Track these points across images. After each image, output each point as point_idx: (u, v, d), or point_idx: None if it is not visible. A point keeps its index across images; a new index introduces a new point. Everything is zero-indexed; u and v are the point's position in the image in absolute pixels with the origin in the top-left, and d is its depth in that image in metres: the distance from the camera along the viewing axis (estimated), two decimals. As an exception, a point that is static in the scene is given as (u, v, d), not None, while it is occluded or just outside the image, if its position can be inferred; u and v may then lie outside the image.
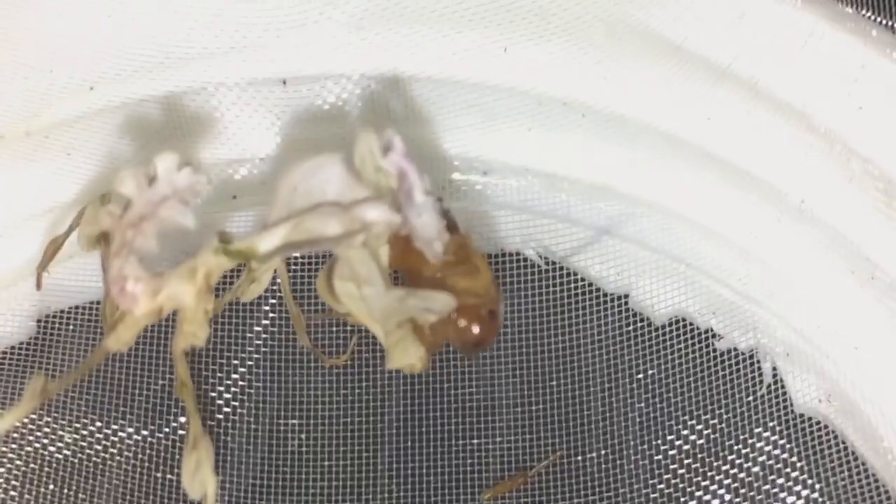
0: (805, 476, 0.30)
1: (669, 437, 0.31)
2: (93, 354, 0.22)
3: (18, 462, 0.32)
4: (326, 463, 0.32)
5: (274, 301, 0.32)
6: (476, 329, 0.24)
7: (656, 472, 0.31)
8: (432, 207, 0.23)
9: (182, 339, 0.22)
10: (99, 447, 0.32)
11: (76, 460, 0.32)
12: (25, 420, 0.32)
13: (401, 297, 0.23)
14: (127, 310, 0.22)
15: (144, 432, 0.32)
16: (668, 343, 0.32)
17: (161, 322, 0.28)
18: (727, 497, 0.31)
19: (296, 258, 0.32)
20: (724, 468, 0.31)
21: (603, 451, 0.31)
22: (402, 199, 0.23)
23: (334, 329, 0.32)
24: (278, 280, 0.30)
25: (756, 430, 0.31)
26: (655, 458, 0.31)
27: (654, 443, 0.31)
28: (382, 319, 0.23)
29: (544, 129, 0.31)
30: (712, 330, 0.31)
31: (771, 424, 0.31)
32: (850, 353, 0.30)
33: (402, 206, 0.23)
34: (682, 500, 0.31)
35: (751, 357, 0.31)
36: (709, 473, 0.31)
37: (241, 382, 0.32)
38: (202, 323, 0.22)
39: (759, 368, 0.31)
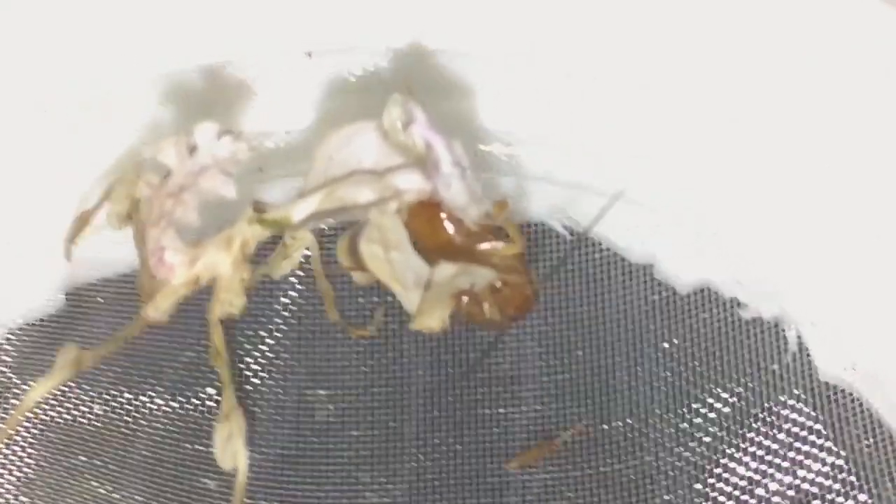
0: (830, 444, 0.31)
1: (695, 406, 0.31)
2: (131, 324, 0.22)
3: (49, 433, 0.32)
4: (354, 433, 0.32)
5: (301, 273, 0.33)
6: (515, 304, 0.24)
7: (682, 440, 0.31)
8: (461, 176, 0.23)
9: (218, 307, 0.22)
10: (129, 418, 0.32)
11: (106, 431, 0.32)
12: (56, 391, 0.32)
13: (453, 274, 0.23)
14: (164, 279, 0.22)
15: (174, 403, 0.32)
16: (693, 312, 0.32)
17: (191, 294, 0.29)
18: (752, 465, 0.31)
19: (323, 232, 0.32)
20: (749, 436, 0.31)
21: (628, 420, 0.32)
22: (430, 170, 0.23)
23: (360, 301, 0.32)
24: (305, 253, 0.31)
25: (781, 399, 0.31)
26: (681, 426, 0.31)
27: (679, 411, 0.31)
28: (407, 282, 0.23)
29: (570, 101, 0.31)
30: (737, 298, 0.32)
31: (796, 392, 0.31)
32: (875, 321, 0.30)
33: (430, 177, 0.23)
34: (708, 468, 0.31)
35: (776, 325, 0.31)
36: (734, 441, 0.31)
37: (268, 354, 0.32)
38: (238, 291, 0.22)
39: (784, 337, 0.31)
